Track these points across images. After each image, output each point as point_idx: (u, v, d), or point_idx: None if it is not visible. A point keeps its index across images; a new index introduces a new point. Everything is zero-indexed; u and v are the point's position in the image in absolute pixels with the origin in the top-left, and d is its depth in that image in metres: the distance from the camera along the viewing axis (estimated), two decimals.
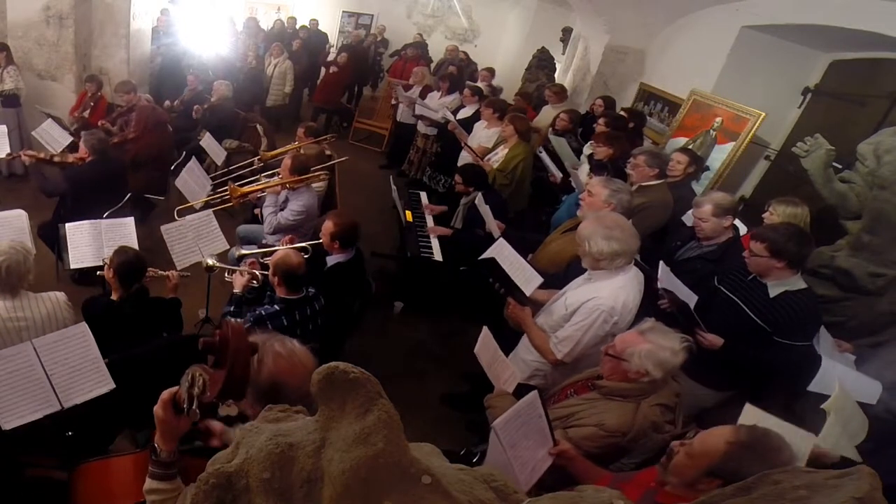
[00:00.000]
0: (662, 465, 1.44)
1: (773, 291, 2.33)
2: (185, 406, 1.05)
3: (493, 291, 2.82)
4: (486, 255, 2.71)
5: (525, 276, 2.56)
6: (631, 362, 1.76)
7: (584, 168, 4.13)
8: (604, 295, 2.14)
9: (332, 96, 8.11)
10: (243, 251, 3.19)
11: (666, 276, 2.57)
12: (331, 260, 3.01)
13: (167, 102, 6.16)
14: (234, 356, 1.01)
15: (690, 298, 2.52)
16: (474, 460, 2.13)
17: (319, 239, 3.06)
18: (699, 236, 2.90)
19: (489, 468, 0.85)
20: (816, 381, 2.18)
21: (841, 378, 2.17)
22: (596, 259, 2.18)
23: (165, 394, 1.15)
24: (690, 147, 4.57)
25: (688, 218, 3.38)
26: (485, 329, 2.28)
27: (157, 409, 1.15)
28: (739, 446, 1.28)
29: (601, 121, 4.67)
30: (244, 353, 1.04)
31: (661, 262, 2.60)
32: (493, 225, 3.44)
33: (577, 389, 2.02)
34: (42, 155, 3.85)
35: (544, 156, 4.54)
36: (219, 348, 1.05)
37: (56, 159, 3.88)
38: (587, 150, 4.73)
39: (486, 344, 2.27)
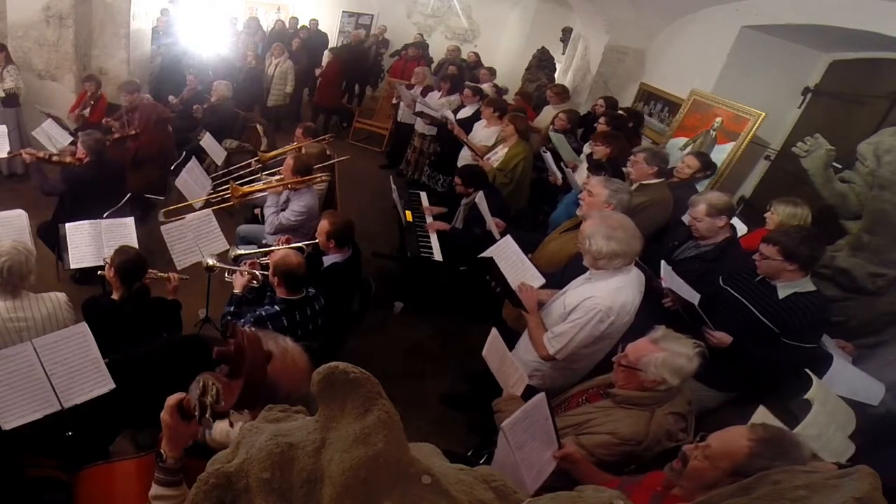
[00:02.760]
0: (674, 469, 1.41)
1: (783, 293, 2.33)
2: (196, 414, 1.04)
3: (490, 291, 2.82)
4: (486, 253, 2.69)
5: (527, 277, 2.55)
6: (647, 372, 1.74)
7: (584, 167, 4.14)
8: (601, 294, 2.13)
9: (331, 96, 8.13)
10: (239, 251, 3.19)
11: (668, 275, 2.56)
12: (327, 260, 3.01)
13: (171, 97, 6.16)
14: (250, 366, 0.99)
15: (693, 297, 2.52)
16: (481, 461, 2.12)
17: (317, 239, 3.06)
18: (695, 235, 2.90)
19: (489, 468, 0.85)
20: (826, 381, 2.17)
21: (849, 378, 2.17)
22: (595, 258, 2.17)
23: (171, 399, 1.14)
24: (690, 147, 4.58)
25: (686, 218, 3.39)
26: (493, 331, 2.27)
27: (164, 415, 1.14)
28: (762, 443, 1.27)
29: (602, 120, 4.68)
30: (261, 363, 1.03)
31: (663, 262, 2.59)
32: (492, 224, 3.44)
33: (589, 397, 2.00)
34: (42, 154, 3.86)
35: (548, 157, 4.54)
36: (234, 358, 1.03)
37: (55, 158, 3.88)
38: (587, 149, 4.73)
39: (494, 346, 2.25)
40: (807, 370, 2.08)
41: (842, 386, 2.17)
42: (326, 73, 8.00)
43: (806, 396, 1.98)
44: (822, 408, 1.96)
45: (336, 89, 8.26)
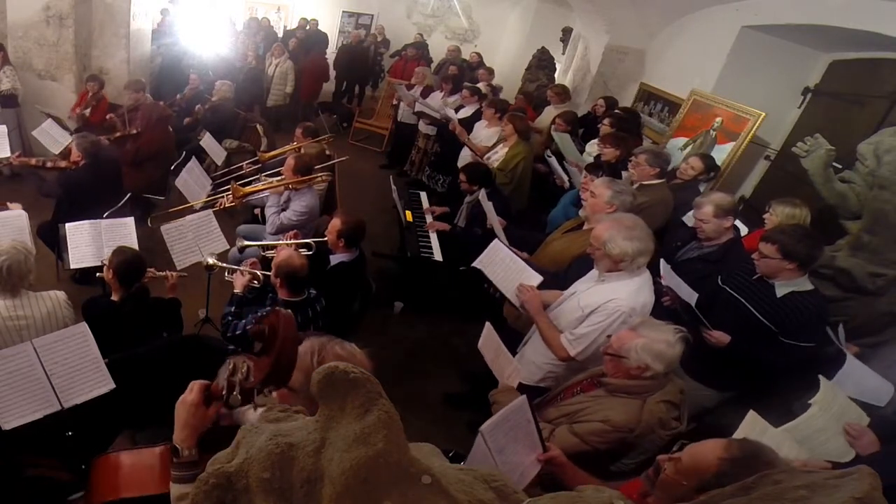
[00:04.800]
0: (649, 478, 1.39)
1: (780, 292, 2.33)
2: (224, 394, 1.05)
3: (490, 297, 2.81)
4: (476, 263, 2.67)
5: (523, 277, 2.54)
6: (630, 358, 1.79)
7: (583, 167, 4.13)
8: (623, 296, 2.14)
9: (311, 89, 8.21)
10: (246, 242, 3.20)
11: (667, 274, 2.56)
12: (334, 259, 3.00)
13: (178, 96, 6.14)
14: (282, 343, 1.01)
15: (691, 296, 2.52)
16: (462, 463, 2.12)
17: (322, 237, 3.06)
18: (700, 237, 2.89)
19: (490, 468, 0.85)
20: (837, 379, 2.16)
21: (860, 377, 2.17)
22: (616, 261, 2.15)
23: (198, 382, 1.12)
24: (690, 147, 4.58)
25: (688, 219, 3.38)
26: (487, 324, 2.28)
27: (187, 394, 1.10)
28: (733, 462, 1.22)
29: (606, 121, 4.66)
30: (292, 342, 1.04)
31: (662, 260, 2.59)
32: (495, 222, 3.44)
33: (583, 387, 2.03)
34: (34, 161, 3.86)
35: (553, 161, 4.53)
36: (268, 336, 1.05)
37: (49, 165, 3.88)
38: (589, 148, 4.73)
39: (488, 339, 2.27)
40: (820, 376, 2.07)
41: (852, 386, 2.15)
42: (307, 67, 8.09)
43: (811, 401, 1.97)
44: (822, 412, 1.95)
45: (315, 83, 8.31)
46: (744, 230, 3.28)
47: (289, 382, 1.08)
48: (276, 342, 1.01)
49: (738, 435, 1.83)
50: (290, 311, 1.10)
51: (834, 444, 1.94)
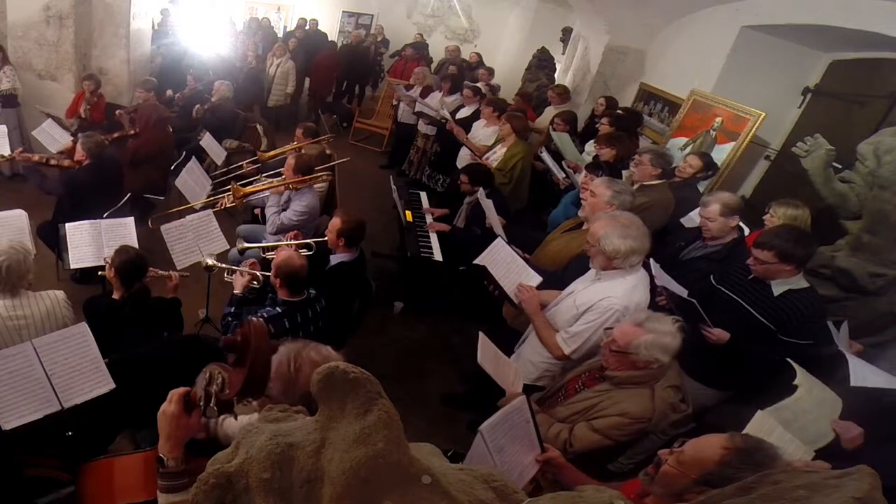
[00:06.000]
0: (648, 475, 1.40)
1: (777, 290, 2.34)
2: (201, 404, 1.04)
3: (489, 295, 2.82)
4: (478, 260, 2.69)
5: (522, 277, 2.55)
6: (639, 354, 1.81)
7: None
8: (617, 294, 2.15)
9: (324, 85, 8.23)
10: (246, 244, 3.20)
11: (659, 273, 2.57)
12: (334, 259, 3.00)
13: (169, 92, 6.13)
14: (255, 355, 1.01)
15: (683, 293, 2.52)
16: (462, 463, 2.12)
17: (322, 237, 3.06)
18: (706, 236, 2.89)
19: (490, 468, 0.85)
20: (855, 377, 2.14)
21: (862, 373, 2.16)
22: (610, 258, 2.18)
23: (177, 391, 1.11)
24: (690, 147, 4.58)
25: (688, 220, 3.38)
26: (481, 335, 2.28)
27: (166, 405, 1.10)
28: (736, 452, 1.25)
29: (604, 121, 4.66)
30: (265, 353, 1.04)
31: (652, 260, 2.59)
32: (495, 220, 3.44)
33: (585, 382, 2.04)
34: (37, 158, 3.85)
35: (546, 156, 4.53)
36: (240, 347, 1.05)
37: (52, 162, 3.87)
38: (588, 148, 4.72)
39: (485, 349, 2.27)
40: (789, 360, 2.11)
41: (874, 377, 2.13)
42: (319, 63, 8.10)
43: (795, 382, 2.00)
44: (807, 394, 1.98)
45: (328, 81, 8.34)
46: (747, 231, 3.28)
47: (264, 392, 1.07)
48: (249, 354, 1.01)
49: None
50: (262, 321, 1.10)
51: (817, 426, 1.97)
